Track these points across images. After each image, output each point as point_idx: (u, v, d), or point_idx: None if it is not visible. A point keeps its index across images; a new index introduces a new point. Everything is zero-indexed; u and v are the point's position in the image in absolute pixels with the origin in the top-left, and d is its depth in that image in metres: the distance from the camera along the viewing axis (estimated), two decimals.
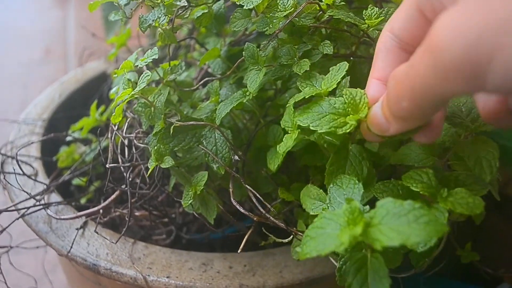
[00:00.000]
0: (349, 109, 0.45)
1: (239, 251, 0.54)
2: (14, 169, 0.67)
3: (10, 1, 2.03)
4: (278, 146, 0.49)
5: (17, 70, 1.57)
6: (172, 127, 0.53)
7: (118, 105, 0.52)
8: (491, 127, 0.47)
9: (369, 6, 0.53)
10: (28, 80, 1.52)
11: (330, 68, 0.49)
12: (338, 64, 0.48)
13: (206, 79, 0.61)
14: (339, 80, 0.47)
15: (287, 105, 0.50)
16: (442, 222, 0.35)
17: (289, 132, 0.49)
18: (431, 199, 0.44)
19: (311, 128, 0.45)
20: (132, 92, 0.51)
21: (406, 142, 0.53)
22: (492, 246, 0.84)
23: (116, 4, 0.48)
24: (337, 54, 0.57)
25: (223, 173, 0.54)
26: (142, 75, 0.52)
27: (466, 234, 0.54)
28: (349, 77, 0.50)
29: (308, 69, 0.50)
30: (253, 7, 0.51)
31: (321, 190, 0.48)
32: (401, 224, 0.35)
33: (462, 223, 0.50)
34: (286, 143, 0.48)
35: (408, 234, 0.34)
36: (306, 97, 0.48)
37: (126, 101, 0.52)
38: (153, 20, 0.48)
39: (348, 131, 0.44)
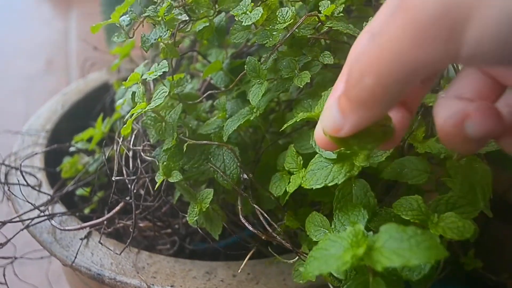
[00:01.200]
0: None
1: (242, 266, 0.55)
2: (18, 180, 0.68)
3: (11, 14, 2.05)
4: (287, 186, 0.51)
5: (19, 82, 1.58)
6: (185, 145, 0.54)
7: (130, 118, 0.53)
8: (484, 149, 0.48)
9: (369, 18, 0.54)
10: (31, 92, 1.53)
11: (322, 93, 0.50)
12: (329, 88, 0.49)
13: (209, 92, 0.62)
14: None
15: (289, 147, 0.53)
16: (442, 248, 0.36)
17: (294, 173, 0.51)
18: (422, 225, 0.45)
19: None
20: (148, 108, 0.51)
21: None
22: (495, 252, 0.84)
23: (118, 25, 0.49)
24: (337, 65, 0.58)
25: (230, 188, 0.55)
26: (158, 91, 0.52)
27: (469, 242, 0.55)
28: None
29: (308, 81, 0.51)
30: None
31: (325, 218, 0.50)
32: (403, 248, 0.37)
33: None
34: (295, 183, 0.50)
35: (408, 257, 0.36)
36: (298, 120, 0.50)
37: (138, 115, 0.53)
38: (155, 39, 0.49)
39: (355, 174, 0.47)
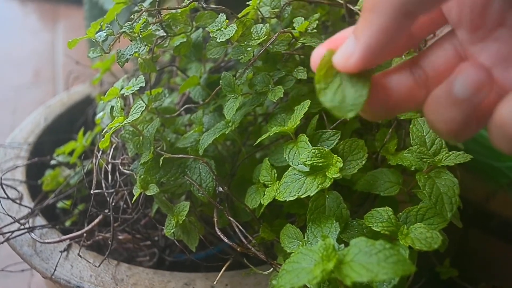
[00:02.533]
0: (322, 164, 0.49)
1: (218, 277, 0.56)
2: None
3: None
4: (261, 198, 0.53)
5: (6, 94, 1.58)
6: (161, 159, 0.55)
7: (108, 132, 0.54)
8: (453, 161, 0.49)
9: None
10: (18, 103, 1.53)
11: (295, 108, 0.51)
12: (302, 103, 0.51)
13: (187, 106, 0.63)
14: (302, 117, 0.50)
15: (264, 160, 0.54)
16: (409, 263, 0.38)
17: (269, 186, 0.53)
18: (392, 236, 0.46)
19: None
20: (125, 122, 0.52)
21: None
22: (473, 261, 0.86)
23: (94, 41, 0.50)
24: (311, 79, 0.59)
25: (206, 201, 0.56)
26: (135, 105, 0.53)
27: (448, 250, 0.56)
28: None
29: (282, 95, 0.53)
30: None
31: (298, 230, 0.51)
32: (371, 262, 0.38)
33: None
34: (269, 196, 0.51)
35: (376, 272, 0.37)
36: (271, 134, 0.51)
37: (116, 128, 0.54)
38: (130, 55, 0.50)
39: (328, 186, 0.48)
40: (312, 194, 0.48)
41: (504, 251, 0.86)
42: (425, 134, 0.52)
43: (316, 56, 0.37)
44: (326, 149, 0.49)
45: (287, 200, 0.49)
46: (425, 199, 0.50)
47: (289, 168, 0.51)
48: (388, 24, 0.32)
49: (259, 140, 0.53)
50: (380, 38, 0.33)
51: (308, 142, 0.50)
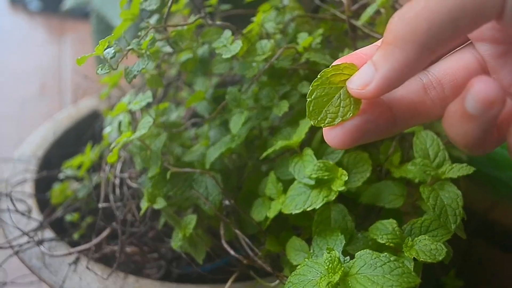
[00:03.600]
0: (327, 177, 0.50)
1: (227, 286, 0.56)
2: (8, 207, 0.69)
3: (5, 37, 2.07)
4: (267, 212, 0.53)
5: (12, 106, 1.60)
6: (168, 173, 0.56)
7: (116, 147, 0.55)
8: (456, 173, 0.50)
9: (345, 49, 0.57)
10: (23, 116, 1.54)
11: (300, 121, 0.52)
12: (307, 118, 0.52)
13: (193, 120, 0.64)
14: (306, 131, 0.51)
15: (270, 174, 0.55)
16: (414, 275, 0.38)
17: (274, 199, 0.54)
18: (397, 248, 0.47)
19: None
20: (133, 137, 0.53)
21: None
22: (477, 271, 0.86)
23: (102, 58, 0.51)
24: None
25: (213, 214, 0.56)
26: (143, 120, 0.54)
27: (452, 261, 0.56)
28: None
29: (287, 110, 0.54)
30: None
31: (304, 242, 0.51)
32: (376, 274, 0.39)
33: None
34: (275, 209, 0.52)
35: (381, 284, 0.38)
36: (277, 148, 0.52)
37: (124, 143, 0.55)
38: (138, 71, 0.51)
39: (333, 198, 0.49)
40: (317, 207, 0.49)
41: (508, 261, 0.86)
42: (428, 146, 0.53)
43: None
44: (331, 162, 0.50)
45: (293, 213, 0.50)
46: (429, 211, 0.50)
47: (295, 182, 0.52)
48: (411, 59, 0.32)
49: (265, 154, 0.54)
50: (400, 72, 0.33)
51: (313, 156, 0.51)
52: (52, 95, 1.67)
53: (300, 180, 0.51)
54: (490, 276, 0.86)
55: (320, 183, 0.50)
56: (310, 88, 0.37)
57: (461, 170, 0.50)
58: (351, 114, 0.36)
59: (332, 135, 0.38)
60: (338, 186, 0.49)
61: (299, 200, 0.50)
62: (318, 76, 0.37)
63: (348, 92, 0.36)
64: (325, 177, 0.49)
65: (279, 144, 0.53)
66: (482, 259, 0.89)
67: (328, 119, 0.37)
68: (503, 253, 0.87)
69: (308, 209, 0.49)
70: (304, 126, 0.52)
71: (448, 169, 0.50)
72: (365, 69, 0.35)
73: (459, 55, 0.37)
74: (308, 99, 0.38)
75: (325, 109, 0.37)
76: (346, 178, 0.49)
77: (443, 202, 0.48)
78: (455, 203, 0.48)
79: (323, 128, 0.38)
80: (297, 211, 0.49)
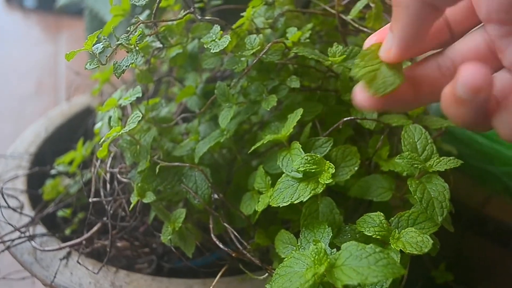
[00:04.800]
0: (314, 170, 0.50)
1: (214, 283, 0.57)
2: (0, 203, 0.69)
3: (1, 36, 2.07)
4: (256, 205, 0.54)
5: (8, 105, 1.60)
6: (157, 167, 0.56)
7: (106, 141, 0.55)
8: (443, 166, 0.50)
9: (334, 44, 0.57)
10: (20, 114, 1.54)
11: (288, 116, 0.52)
12: (295, 111, 0.52)
13: (183, 115, 0.64)
14: (294, 125, 0.51)
15: (258, 168, 0.55)
16: (399, 266, 0.39)
17: (263, 192, 0.54)
18: (384, 241, 0.47)
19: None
20: (122, 131, 0.54)
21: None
22: (469, 266, 0.86)
23: (91, 53, 0.51)
24: (305, 88, 0.60)
25: (202, 208, 0.57)
26: (132, 115, 0.55)
27: (445, 255, 0.57)
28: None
29: (275, 104, 0.54)
30: None
31: (292, 235, 0.52)
32: (362, 265, 0.39)
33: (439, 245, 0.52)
34: (264, 202, 0.52)
35: (366, 275, 0.38)
36: (265, 142, 0.52)
37: (113, 138, 0.55)
38: (126, 66, 0.51)
39: (320, 191, 0.49)
40: (305, 200, 0.49)
41: (500, 255, 0.86)
42: (416, 140, 0.53)
43: (367, 44, 0.41)
44: (318, 155, 0.50)
45: (281, 206, 0.50)
46: (416, 204, 0.51)
47: (283, 175, 0.52)
48: (414, 16, 0.36)
49: (253, 148, 0.54)
50: (409, 30, 0.37)
51: (301, 149, 0.51)
52: (48, 93, 1.67)
53: (288, 173, 0.51)
54: (483, 270, 0.86)
55: (308, 176, 0.50)
56: (353, 71, 0.40)
57: (449, 163, 0.51)
58: (398, 81, 0.39)
59: (364, 98, 0.40)
60: (326, 179, 0.49)
61: (286, 193, 0.50)
62: (358, 60, 0.41)
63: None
64: (313, 170, 0.50)
65: (267, 138, 0.53)
66: (474, 253, 0.89)
67: (381, 88, 0.39)
68: (496, 248, 0.88)
69: (296, 202, 0.49)
70: (292, 120, 0.52)
71: (436, 162, 0.51)
72: (387, 36, 0.39)
73: (471, 37, 0.39)
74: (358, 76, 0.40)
75: (375, 81, 0.40)
76: (333, 171, 0.49)
77: (430, 195, 0.49)
78: (442, 196, 0.49)
79: (355, 91, 0.41)
80: (285, 204, 0.50)
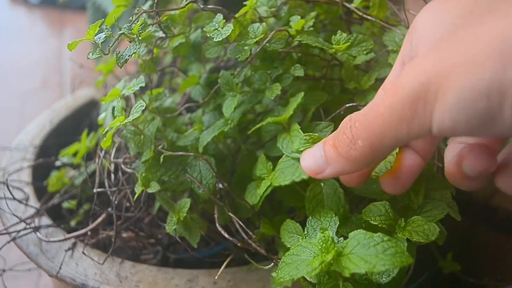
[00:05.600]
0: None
1: (219, 272, 0.57)
2: (4, 194, 0.70)
3: (6, 32, 2.08)
4: (257, 189, 0.53)
5: (13, 100, 1.60)
6: (162, 156, 0.56)
7: (109, 131, 0.55)
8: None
9: (338, 32, 0.56)
10: (25, 110, 1.55)
11: (290, 99, 0.52)
12: (297, 95, 0.51)
13: (187, 105, 0.64)
14: (295, 107, 0.50)
15: (260, 156, 0.55)
16: (407, 254, 0.38)
17: (265, 178, 0.53)
18: (390, 229, 0.47)
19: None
20: (125, 121, 0.53)
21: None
22: (478, 256, 0.85)
23: (93, 43, 0.51)
24: (309, 77, 0.60)
25: (207, 198, 0.56)
26: (136, 105, 0.54)
27: (453, 245, 0.56)
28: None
29: (279, 93, 0.53)
30: None
31: (298, 224, 0.51)
32: (369, 254, 0.39)
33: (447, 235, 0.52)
34: (265, 186, 0.52)
35: (374, 263, 0.38)
36: (264, 123, 0.52)
37: (117, 128, 0.55)
38: (129, 56, 0.51)
39: None
40: (306, 177, 0.48)
41: (509, 245, 0.86)
42: None
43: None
44: (317, 134, 0.49)
45: (283, 184, 0.49)
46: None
47: (283, 156, 0.51)
48: (359, 168, 0.41)
49: (253, 129, 0.53)
50: (350, 172, 0.42)
51: (300, 131, 0.50)
52: (54, 88, 1.68)
53: (288, 154, 0.51)
54: (491, 261, 0.86)
55: None
56: None
57: None
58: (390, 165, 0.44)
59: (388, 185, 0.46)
60: None
61: (287, 172, 0.49)
62: None
63: None
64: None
65: (268, 120, 0.52)
66: (482, 244, 0.88)
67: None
68: (504, 238, 0.87)
69: (297, 180, 0.48)
70: (293, 103, 0.52)
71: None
72: (318, 158, 0.43)
73: None
74: None
75: None
76: None
77: (432, 196, 0.49)
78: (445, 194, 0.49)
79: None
80: (287, 183, 0.49)
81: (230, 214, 0.55)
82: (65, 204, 0.74)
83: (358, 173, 0.45)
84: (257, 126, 0.53)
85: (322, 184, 0.51)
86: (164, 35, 0.59)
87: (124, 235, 0.66)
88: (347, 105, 0.53)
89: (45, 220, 0.69)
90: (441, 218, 0.48)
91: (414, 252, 0.49)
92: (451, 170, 0.41)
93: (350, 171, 0.41)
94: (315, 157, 0.43)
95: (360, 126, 0.38)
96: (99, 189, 0.62)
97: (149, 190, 0.55)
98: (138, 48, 0.53)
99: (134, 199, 0.58)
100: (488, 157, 0.38)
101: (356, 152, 0.38)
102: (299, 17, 0.57)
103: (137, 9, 0.55)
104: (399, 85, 0.34)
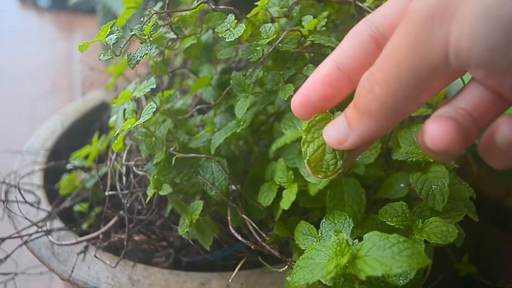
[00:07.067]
0: None
1: (233, 275, 0.56)
2: (16, 198, 0.69)
3: (16, 36, 2.09)
4: (281, 202, 0.52)
5: (23, 104, 1.61)
6: (173, 158, 0.55)
7: (120, 134, 0.55)
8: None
9: None
10: (35, 113, 1.55)
11: None
12: None
13: (199, 107, 0.63)
14: None
15: (278, 161, 0.55)
16: (425, 256, 0.37)
17: (286, 187, 0.53)
18: (407, 231, 0.46)
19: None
20: (136, 123, 0.53)
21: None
22: (493, 258, 0.84)
23: (105, 44, 0.50)
24: None
25: (220, 200, 0.56)
26: (147, 107, 0.54)
27: (467, 247, 0.56)
28: None
29: (292, 93, 0.53)
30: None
31: (312, 226, 0.50)
32: (385, 256, 0.38)
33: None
34: (289, 199, 0.52)
35: (390, 265, 0.37)
36: (288, 142, 0.51)
37: (128, 130, 0.54)
38: (140, 57, 0.50)
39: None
40: (340, 171, 0.47)
41: None
42: (413, 132, 0.52)
43: (294, 105, 0.41)
44: None
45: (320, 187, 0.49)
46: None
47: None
48: (383, 126, 0.36)
49: (274, 148, 0.53)
50: (374, 134, 0.37)
51: None
52: (64, 91, 1.68)
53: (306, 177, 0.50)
54: (505, 263, 0.85)
55: None
56: (302, 149, 0.41)
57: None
58: (348, 153, 0.40)
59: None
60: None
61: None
62: (304, 135, 0.41)
63: None
64: None
65: (289, 136, 0.51)
66: (496, 246, 0.87)
67: (331, 166, 0.41)
68: None
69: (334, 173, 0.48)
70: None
71: None
72: (340, 126, 0.38)
73: None
74: (306, 160, 0.41)
75: (324, 159, 0.41)
76: None
77: (430, 184, 0.48)
78: (442, 183, 0.47)
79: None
80: (321, 187, 0.49)
81: (243, 216, 0.55)
82: (77, 207, 0.74)
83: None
84: (281, 144, 0.53)
85: (343, 183, 0.50)
86: (175, 36, 0.59)
87: (136, 238, 0.66)
88: None
89: (57, 223, 0.68)
90: (460, 220, 0.47)
91: (431, 254, 0.48)
92: (420, 142, 0.35)
93: (375, 131, 0.36)
94: (337, 125, 0.39)
95: (376, 69, 0.34)
96: (110, 192, 0.62)
97: (161, 193, 0.55)
98: (150, 49, 0.52)
99: (146, 202, 0.57)
100: (450, 134, 0.32)
101: (376, 103, 0.34)
102: (311, 17, 0.57)
103: (148, 10, 0.55)
104: (412, 9, 0.31)
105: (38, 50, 1.97)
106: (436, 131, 0.32)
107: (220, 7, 0.58)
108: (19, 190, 0.69)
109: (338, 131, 0.39)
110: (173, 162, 0.54)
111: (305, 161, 0.41)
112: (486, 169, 0.87)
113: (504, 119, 0.32)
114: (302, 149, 0.41)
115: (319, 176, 0.41)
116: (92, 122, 0.90)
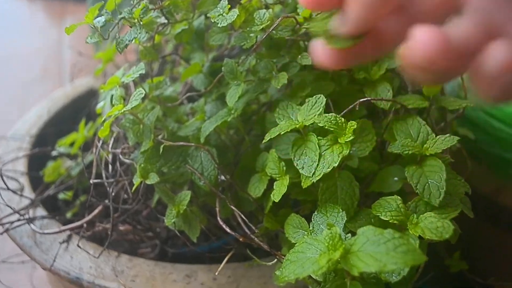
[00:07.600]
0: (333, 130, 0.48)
1: (220, 268, 0.55)
2: None
3: (6, 22, 2.06)
4: (272, 194, 0.51)
5: (14, 90, 1.59)
6: (161, 146, 0.54)
7: (107, 120, 0.53)
8: (440, 147, 0.48)
9: None
10: (25, 100, 1.53)
11: (307, 100, 0.50)
12: (314, 97, 0.49)
13: (189, 94, 0.62)
14: (316, 115, 0.48)
15: (270, 152, 0.53)
16: (420, 252, 0.36)
17: (277, 179, 0.51)
18: (401, 226, 0.45)
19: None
20: (124, 109, 0.52)
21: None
22: (484, 255, 0.84)
23: (92, 27, 0.49)
24: (316, 66, 0.58)
25: (208, 190, 0.54)
26: (135, 92, 0.53)
27: (458, 244, 0.55)
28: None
29: (285, 82, 0.51)
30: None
31: (303, 219, 0.49)
32: (380, 252, 0.37)
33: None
34: (279, 191, 0.50)
35: (385, 262, 0.36)
36: (282, 133, 0.49)
37: (115, 117, 0.53)
38: (129, 41, 0.49)
39: (347, 153, 0.46)
40: (336, 165, 0.46)
41: None
42: (409, 125, 0.51)
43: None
44: (342, 119, 0.47)
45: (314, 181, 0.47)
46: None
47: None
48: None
49: (268, 137, 0.51)
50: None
51: (317, 145, 0.48)
52: (54, 78, 1.67)
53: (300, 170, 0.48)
54: (497, 260, 0.84)
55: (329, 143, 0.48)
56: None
57: (445, 142, 0.48)
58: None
59: (325, 54, 0.37)
60: (346, 139, 0.46)
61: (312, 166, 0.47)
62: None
63: None
64: (332, 129, 0.47)
65: (283, 126, 0.50)
66: (488, 243, 0.87)
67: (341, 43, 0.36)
68: (510, 237, 0.85)
69: (329, 170, 0.46)
70: (312, 108, 0.49)
71: (432, 144, 0.48)
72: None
73: None
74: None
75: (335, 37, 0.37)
76: (353, 136, 0.46)
77: (426, 178, 0.46)
78: (438, 177, 0.46)
79: (314, 47, 0.38)
80: (318, 178, 0.47)
81: (232, 207, 0.53)
82: (61, 195, 0.73)
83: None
84: (275, 134, 0.50)
85: (337, 175, 0.49)
86: (166, 21, 0.57)
87: (121, 228, 0.64)
88: (360, 100, 0.51)
89: (40, 211, 0.67)
90: (455, 215, 0.46)
91: (425, 250, 0.47)
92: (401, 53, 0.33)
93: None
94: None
95: None
96: (96, 180, 0.60)
97: (148, 182, 0.53)
98: (139, 34, 0.51)
99: (132, 191, 0.56)
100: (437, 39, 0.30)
101: None
102: None
103: None
104: None
105: (28, 37, 1.94)
106: (422, 35, 0.30)
107: None
108: (2, 176, 0.67)
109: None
110: (161, 150, 0.53)
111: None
112: (479, 164, 0.86)
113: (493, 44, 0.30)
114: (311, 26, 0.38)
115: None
116: (81, 109, 0.88)
